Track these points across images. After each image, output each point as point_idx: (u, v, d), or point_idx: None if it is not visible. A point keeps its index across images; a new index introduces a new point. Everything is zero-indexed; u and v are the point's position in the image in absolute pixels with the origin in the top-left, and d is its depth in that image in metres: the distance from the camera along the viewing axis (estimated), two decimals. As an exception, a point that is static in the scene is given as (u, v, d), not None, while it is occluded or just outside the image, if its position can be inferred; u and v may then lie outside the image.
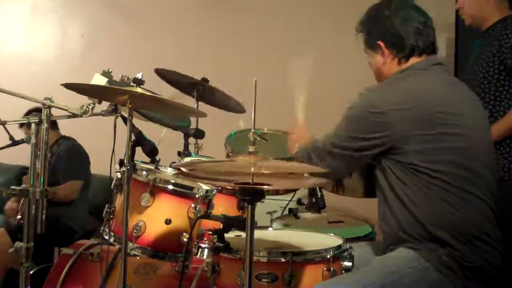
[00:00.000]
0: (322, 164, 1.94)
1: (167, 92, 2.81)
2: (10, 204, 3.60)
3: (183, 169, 1.76)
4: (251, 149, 1.65)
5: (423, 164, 1.80)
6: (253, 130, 1.68)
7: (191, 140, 2.77)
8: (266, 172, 1.59)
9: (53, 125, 3.76)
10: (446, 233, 1.79)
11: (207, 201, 2.13)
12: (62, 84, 1.81)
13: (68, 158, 3.68)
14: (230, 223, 1.86)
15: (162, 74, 2.87)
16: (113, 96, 1.95)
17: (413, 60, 1.97)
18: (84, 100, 2.08)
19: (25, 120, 2.28)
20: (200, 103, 2.89)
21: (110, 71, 2.10)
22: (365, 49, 2.07)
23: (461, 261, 1.79)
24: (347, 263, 1.88)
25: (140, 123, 2.11)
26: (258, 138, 1.70)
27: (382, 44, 1.99)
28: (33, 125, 2.21)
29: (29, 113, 3.13)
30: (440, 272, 1.78)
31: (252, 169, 1.55)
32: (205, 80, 2.86)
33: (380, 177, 1.94)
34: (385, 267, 1.82)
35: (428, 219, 1.81)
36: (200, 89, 2.84)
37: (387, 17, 1.99)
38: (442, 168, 1.80)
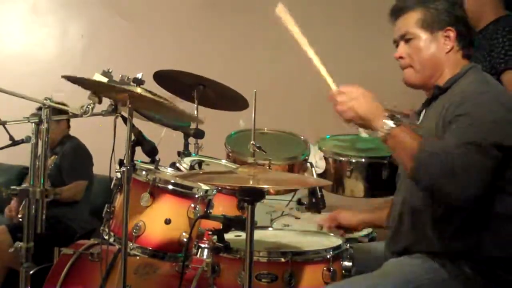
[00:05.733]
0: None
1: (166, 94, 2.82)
2: (11, 205, 3.60)
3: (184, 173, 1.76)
4: (251, 160, 1.66)
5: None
6: (252, 142, 1.69)
7: (191, 140, 2.77)
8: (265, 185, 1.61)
9: (66, 122, 3.80)
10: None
11: (206, 201, 2.13)
12: (63, 76, 1.81)
13: (73, 157, 3.71)
14: (230, 223, 1.86)
15: (161, 78, 2.87)
16: (113, 93, 1.94)
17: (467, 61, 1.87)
18: (84, 100, 2.08)
19: (25, 121, 2.28)
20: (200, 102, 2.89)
21: (110, 71, 2.10)
22: (414, 29, 1.83)
23: (489, 274, 1.69)
24: (347, 263, 1.88)
25: (140, 123, 2.11)
26: (257, 150, 1.70)
27: (452, 32, 1.82)
28: (33, 125, 2.21)
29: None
30: (462, 286, 1.70)
31: (251, 182, 1.56)
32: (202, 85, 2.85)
33: None
34: (400, 273, 1.73)
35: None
36: (200, 90, 2.84)
37: (457, 3, 1.85)
38: None
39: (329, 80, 1.76)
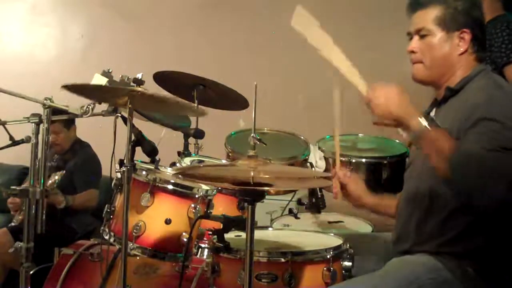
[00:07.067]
0: None
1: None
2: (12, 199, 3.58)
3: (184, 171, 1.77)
4: (251, 153, 1.65)
5: None
6: (252, 135, 1.69)
7: (191, 140, 2.77)
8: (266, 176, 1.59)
9: (70, 124, 3.72)
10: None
11: (207, 201, 2.13)
12: (62, 86, 1.81)
13: (86, 170, 3.67)
14: (230, 223, 1.86)
15: (161, 78, 2.87)
16: (114, 97, 1.94)
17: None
18: (84, 100, 2.08)
19: (25, 121, 2.28)
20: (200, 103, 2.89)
21: (110, 71, 2.10)
22: (431, 26, 1.82)
23: (492, 275, 1.70)
24: (347, 263, 1.88)
25: (140, 123, 2.11)
26: (258, 143, 1.70)
27: (468, 35, 1.81)
28: (33, 125, 2.21)
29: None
30: (462, 284, 1.69)
31: (252, 174, 1.55)
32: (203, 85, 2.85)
33: None
34: (402, 273, 1.73)
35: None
36: (200, 90, 2.84)
37: (476, 5, 1.84)
38: None
39: (361, 84, 1.72)
